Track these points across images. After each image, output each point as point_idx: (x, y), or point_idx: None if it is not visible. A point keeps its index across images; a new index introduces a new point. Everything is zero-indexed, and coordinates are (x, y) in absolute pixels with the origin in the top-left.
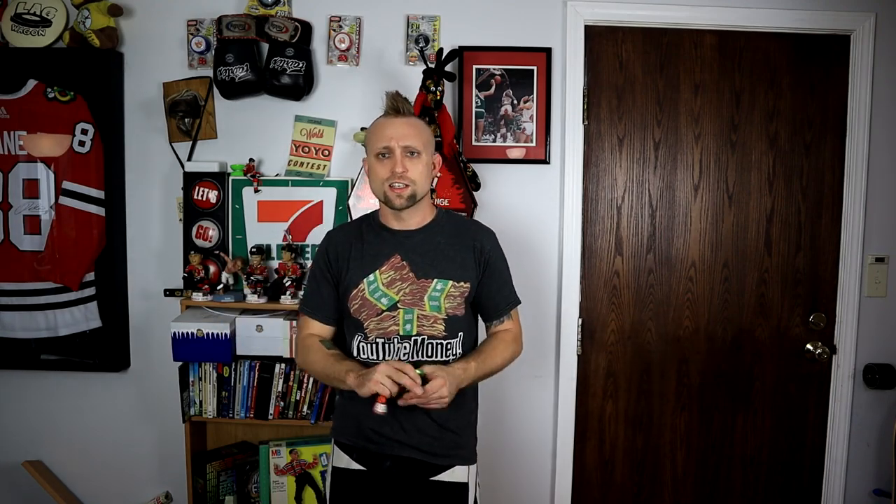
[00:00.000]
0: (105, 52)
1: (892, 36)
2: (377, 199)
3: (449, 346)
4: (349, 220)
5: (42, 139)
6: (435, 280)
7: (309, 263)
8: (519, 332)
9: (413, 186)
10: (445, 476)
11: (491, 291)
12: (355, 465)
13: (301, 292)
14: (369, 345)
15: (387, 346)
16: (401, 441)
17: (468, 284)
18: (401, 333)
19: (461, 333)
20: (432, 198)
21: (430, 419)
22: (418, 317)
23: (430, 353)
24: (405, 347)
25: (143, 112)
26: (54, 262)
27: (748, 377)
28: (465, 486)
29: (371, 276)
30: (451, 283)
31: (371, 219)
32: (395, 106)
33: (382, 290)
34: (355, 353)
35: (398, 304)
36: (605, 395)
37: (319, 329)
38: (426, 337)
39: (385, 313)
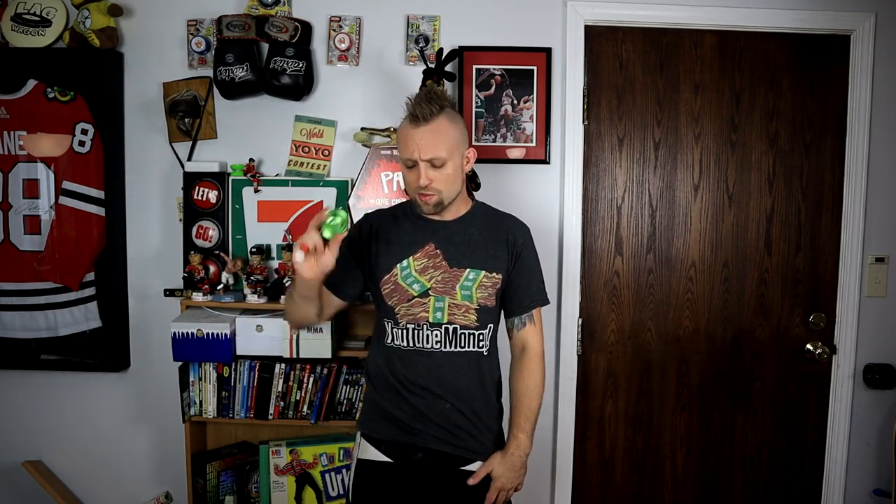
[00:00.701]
0: (105, 52)
1: (892, 36)
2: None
3: (481, 337)
4: (349, 220)
5: (42, 139)
6: (468, 269)
7: None
8: (539, 341)
9: (439, 195)
10: (474, 465)
11: (519, 285)
12: (383, 457)
13: None
14: (400, 330)
15: (417, 331)
16: (436, 436)
17: (500, 276)
18: (430, 320)
19: (491, 325)
20: None
21: (465, 417)
22: (449, 305)
23: (462, 344)
24: (436, 336)
25: (143, 112)
26: (54, 262)
27: (748, 377)
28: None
29: (404, 262)
30: (483, 272)
31: (407, 206)
32: (415, 113)
33: (415, 277)
34: (389, 340)
35: (430, 292)
36: (605, 395)
37: (332, 299)
38: (458, 326)
39: (416, 299)
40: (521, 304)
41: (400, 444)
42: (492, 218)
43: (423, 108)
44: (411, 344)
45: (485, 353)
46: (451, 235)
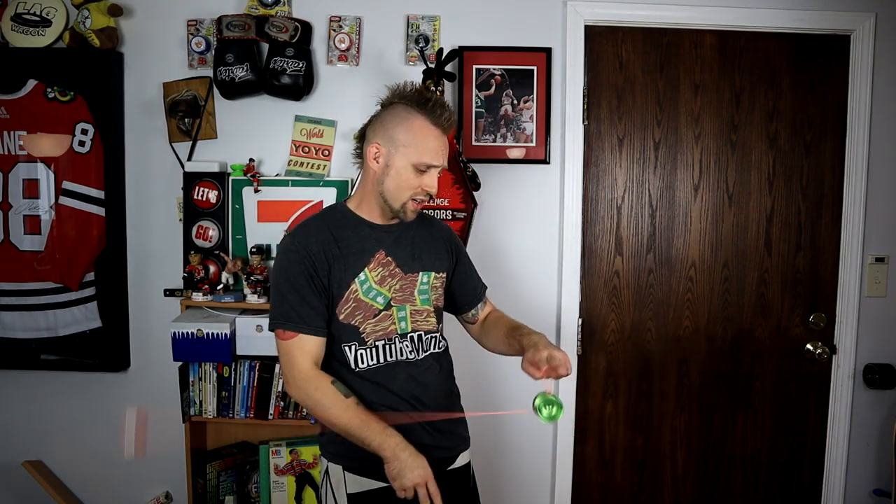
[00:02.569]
0: (105, 52)
1: (892, 36)
2: (374, 195)
3: (440, 338)
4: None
5: (42, 139)
6: (420, 273)
7: None
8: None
9: (427, 200)
10: (457, 463)
11: (465, 278)
12: (377, 484)
13: None
14: (368, 350)
15: (388, 346)
16: (427, 444)
17: (444, 275)
18: (398, 332)
19: (441, 324)
20: None
21: (444, 419)
22: (411, 312)
23: (427, 348)
24: (407, 346)
25: (143, 112)
26: (54, 262)
27: (748, 377)
28: (468, 465)
29: (362, 275)
30: (433, 273)
31: (340, 212)
32: (444, 119)
33: (376, 289)
34: (353, 364)
35: (391, 302)
36: (605, 395)
37: (315, 345)
38: (422, 332)
39: (382, 313)
40: (476, 292)
41: None
42: (423, 219)
43: (450, 114)
44: (384, 360)
45: (442, 351)
46: (397, 239)
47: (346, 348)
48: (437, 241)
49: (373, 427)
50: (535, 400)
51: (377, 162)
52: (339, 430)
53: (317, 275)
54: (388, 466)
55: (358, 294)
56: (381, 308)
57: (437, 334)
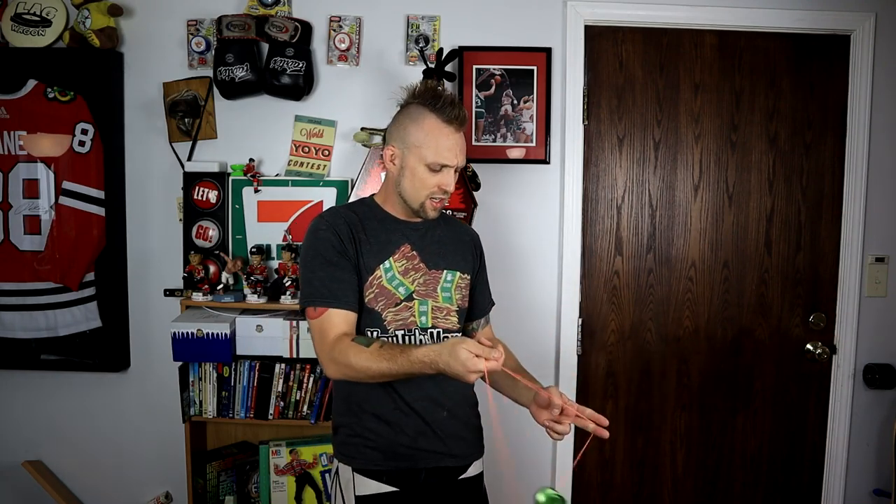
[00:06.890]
0: (105, 52)
1: (892, 36)
2: (395, 195)
3: None
4: None
5: (42, 139)
6: (445, 271)
7: None
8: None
9: (447, 198)
10: (470, 472)
11: (482, 289)
12: (387, 488)
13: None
14: (390, 338)
15: (408, 338)
16: (439, 451)
17: (469, 277)
18: (419, 325)
19: (462, 326)
20: None
21: (461, 423)
22: (432, 308)
23: None
24: (427, 342)
25: (143, 112)
26: (54, 262)
27: (748, 377)
28: (481, 475)
29: (387, 263)
30: (458, 273)
31: (368, 205)
32: (455, 116)
33: (399, 279)
34: None
35: (413, 295)
36: (605, 395)
37: (345, 319)
38: (441, 330)
39: (403, 303)
40: (483, 305)
41: (402, 470)
42: (448, 220)
43: (460, 111)
44: None
45: None
46: (423, 236)
47: (370, 333)
48: (462, 244)
49: (399, 359)
50: (536, 496)
51: (394, 164)
52: (382, 378)
53: (346, 251)
54: (446, 374)
55: (382, 280)
56: (402, 298)
57: (459, 335)
